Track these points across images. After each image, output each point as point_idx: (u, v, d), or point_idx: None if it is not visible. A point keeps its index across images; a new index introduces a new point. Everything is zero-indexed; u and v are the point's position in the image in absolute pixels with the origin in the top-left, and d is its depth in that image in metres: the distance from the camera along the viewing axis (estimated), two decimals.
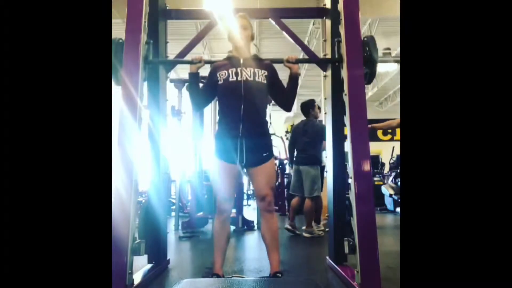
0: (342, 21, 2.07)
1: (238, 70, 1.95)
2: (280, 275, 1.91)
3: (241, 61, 1.99)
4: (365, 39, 2.10)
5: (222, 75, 1.97)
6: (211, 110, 4.64)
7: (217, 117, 2.07)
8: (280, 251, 2.01)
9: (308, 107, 4.09)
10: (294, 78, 2.03)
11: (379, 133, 14.31)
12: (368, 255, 1.76)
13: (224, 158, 1.95)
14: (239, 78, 1.93)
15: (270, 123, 4.77)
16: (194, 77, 2.05)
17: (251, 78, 1.94)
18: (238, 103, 1.91)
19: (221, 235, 2.00)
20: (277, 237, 1.98)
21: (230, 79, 1.94)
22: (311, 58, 2.77)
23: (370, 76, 2.12)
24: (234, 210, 4.18)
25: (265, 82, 1.97)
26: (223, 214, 2.00)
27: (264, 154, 1.96)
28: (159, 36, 2.42)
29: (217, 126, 2.10)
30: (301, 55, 9.54)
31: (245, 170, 2.02)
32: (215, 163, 1.99)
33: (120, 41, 2.08)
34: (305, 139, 3.92)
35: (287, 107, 2.10)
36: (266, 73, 1.98)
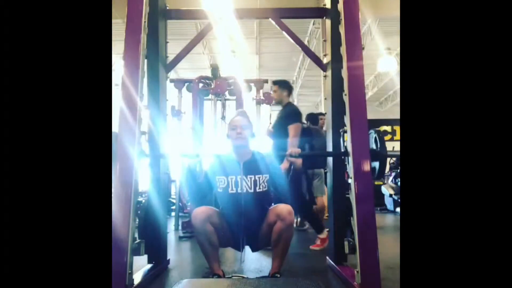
0: (342, 21, 2.07)
1: (238, 179, 1.90)
2: (278, 276, 1.91)
3: (241, 166, 1.94)
4: (373, 133, 2.05)
5: (221, 182, 1.93)
6: (211, 110, 4.63)
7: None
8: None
9: (317, 118, 4.42)
10: (296, 174, 2.01)
11: None
12: (368, 255, 1.75)
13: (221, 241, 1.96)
14: (238, 190, 1.90)
15: (271, 122, 4.77)
16: (191, 173, 1.96)
17: (252, 190, 1.90)
18: (239, 215, 1.90)
19: (205, 244, 1.91)
20: (288, 247, 1.92)
21: (230, 190, 1.91)
22: (311, 58, 2.77)
23: (380, 172, 2.05)
24: None
25: (266, 188, 1.94)
26: (201, 227, 1.88)
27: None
28: (159, 36, 2.42)
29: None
30: (301, 55, 9.58)
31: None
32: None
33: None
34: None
35: (285, 200, 2.03)
36: (267, 178, 1.94)
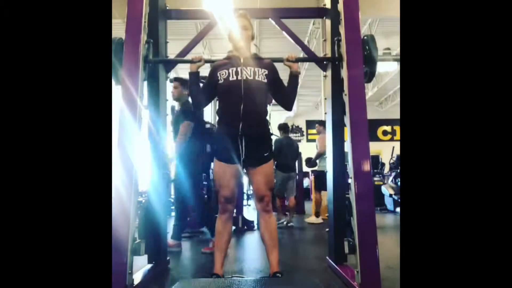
0: (342, 21, 2.07)
1: (239, 69, 1.95)
2: (280, 275, 1.91)
3: (242, 60, 1.99)
4: (365, 38, 2.10)
5: (222, 74, 1.97)
6: (211, 110, 4.63)
7: (217, 117, 2.07)
8: (279, 251, 2.01)
9: (287, 127, 5.24)
10: (294, 77, 2.04)
11: (379, 133, 14.34)
12: (368, 255, 1.76)
13: (224, 159, 1.95)
14: (239, 77, 1.93)
15: (270, 123, 4.81)
16: (195, 76, 2.05)
17: (251, 77, 1.94)
18: (238, 102, 1.91)
19: (223, 235, 1.99)
20: (276, 237, 1.99)
21: (231, 78, 1.94)
22: (311, 58, 2.77)
23: (370, 75, 2.11)
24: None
25: (265, 81, 1.97)
26: (225, 214, 2.00)
27: (264, 154, 1.96)
28: (159, 36, 2.42)
29: (216, 125, 2.10)
30: (301, 55, 9.56)
31: (244, 170, 2.02)
32: (216, 164, 1.99)
33: (120, 40, 2.08)
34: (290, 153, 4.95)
35: (288, 106, 2.10)
36: (266, 72, 1.98)
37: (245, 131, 1.90)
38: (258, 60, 2.03)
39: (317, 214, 5.12)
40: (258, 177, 1.96)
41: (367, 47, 2.07)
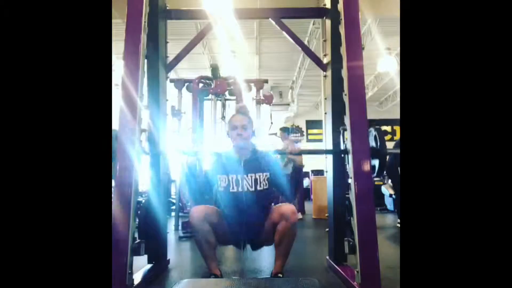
0: (342, 21, 2.07)
1: (239, 178, 1.91)
2: (281, 275, 1.92)
3: (242, 165, 1.94)
4: (373, 131, 2.03)
5: (222, 181, 1.94)
6: (211, 110, 4.63)
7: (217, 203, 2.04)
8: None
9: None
10: (298, 171, 1.97)
11: None
12: (368, 255, 1.75)
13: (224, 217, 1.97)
14: (239, 189, 1.91)
15: (272, 122, 4.79)
16: (190, 172, 1.97)
17: (253, 189, 1.91)
18: (240, 214, 1.91)
19: (204, 244, 1.93)
20: (291, 246, 1.95)
21: (231, 189, 1.92)
22: (311, 58, 2.77)
23: (380, 169, 2.03)
24: None
25: (267, 187, 1.94)
26: (199, 226, 1.89)
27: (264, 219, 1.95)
28: (159, 36, 2.42)
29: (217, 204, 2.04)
30: (301, 55, 9.58)
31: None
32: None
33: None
34: None
35: (289, 198, 2.08)
36: (268, 176, 1.95)
37: (247, 235, 1.95)
38: (259, 160, 1.97)
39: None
40: (278, 208, 1.92)
41: (375, 141, 2.01)
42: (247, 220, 1.91)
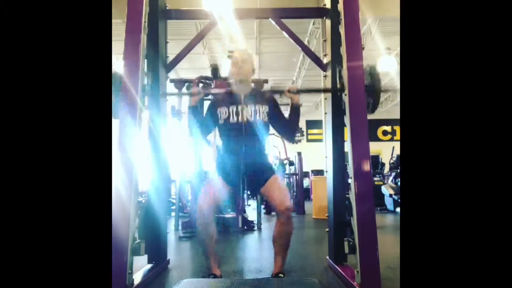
0: (342, 21, 2.07)
1: (239, 108, 1.96)
2: (282, 275, 1.92)
3: (242, 98, 1.99)
4: (368, 68, 2.05)
5: (222, 113, 1.98)
6: None
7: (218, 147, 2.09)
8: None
9: None
10: (295, 109, 2.02)
11: (379, 133, 14.34)
12: (368, 255, 1.75)
13: (224, 177, 1.98)
14: (239, 119, 1.95)
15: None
16: (195, 110, 2.03)
17: (252, 119, 1.95)
18: (240, 144, 1.94)
19: (207, 241, 1.95)
20: (288, 244, 1.97)
21: (231, 120, 1.96)
22: (311, 58, 2.77)
23: (374, 106, 2.06)
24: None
25: (266, 119, 1.98)
26: (205, 221, 1.93)
27: (265, 178, 1.97)
28: (159, 36, 2.42)
29: (216, 154, 2.11)
30: (301, 55, 9.58)
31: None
32: (214, 178, 2.02)
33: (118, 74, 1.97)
34: None
35: (289, 137, 2.12)
36: (267, 109, 1.99)
37: (246, 171, 1.96)
38: (259, 95, 2.03)
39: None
40: (270, 193, 1.95)
41: (369, 78, 2.03)
42: (245, 150, 1.94)
